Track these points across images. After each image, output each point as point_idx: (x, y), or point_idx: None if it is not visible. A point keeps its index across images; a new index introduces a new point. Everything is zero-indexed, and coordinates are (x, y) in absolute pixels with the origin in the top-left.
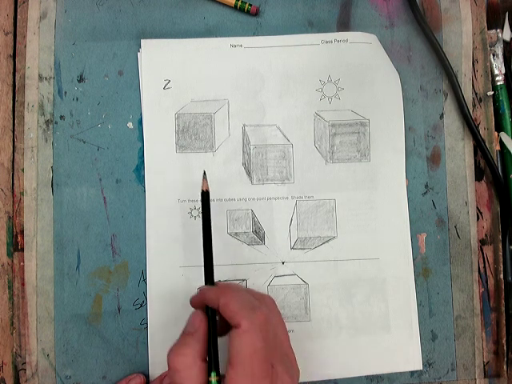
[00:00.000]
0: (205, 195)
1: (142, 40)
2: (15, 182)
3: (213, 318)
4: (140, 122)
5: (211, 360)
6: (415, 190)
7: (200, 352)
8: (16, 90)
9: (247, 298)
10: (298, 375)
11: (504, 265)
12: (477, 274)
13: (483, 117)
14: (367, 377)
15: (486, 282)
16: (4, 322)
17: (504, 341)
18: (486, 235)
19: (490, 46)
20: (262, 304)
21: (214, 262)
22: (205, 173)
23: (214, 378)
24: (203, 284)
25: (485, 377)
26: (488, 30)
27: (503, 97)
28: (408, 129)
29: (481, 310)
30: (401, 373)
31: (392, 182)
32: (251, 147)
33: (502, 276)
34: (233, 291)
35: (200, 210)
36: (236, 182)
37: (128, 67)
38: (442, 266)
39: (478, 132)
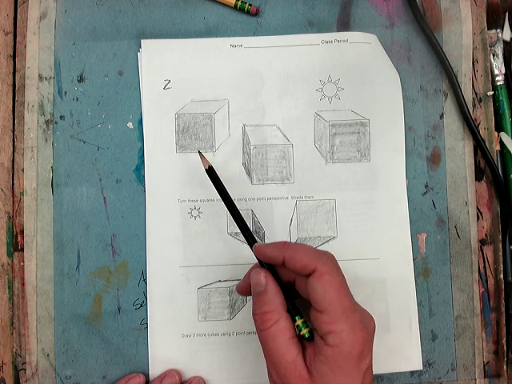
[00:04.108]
0: (211, 172)
1: (142, 40)
2: (15, 181)
3: (273, 270)
4: (140, 122)
5: (290, 306)
6: (415, 190)
7: (282, 304)
8: (16, 90)
9: (309, 247)
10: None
11: (504, 265)
12: (477, 274)
13: (483, 117)
14: None
15: (486, 281)
16: (4, 322)
17: (504, 341)
18: (486, 235)
19: (490, 46)
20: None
21: (214, 262)
22: (199, 151)
23: (300, 321)
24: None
25: (485, 377)
26: (488, 29)
27: (503, 97)
28: (408, 129)
29: (481, 310)
30: (401, 373)
31: (392, 182)
32: (251, 147)
33: (501, 276)
34: (294, 244)
35: (200, 210)
36: (236, 182)
37: (128, 67)
38: (442, 265)
39: (478, 132)
